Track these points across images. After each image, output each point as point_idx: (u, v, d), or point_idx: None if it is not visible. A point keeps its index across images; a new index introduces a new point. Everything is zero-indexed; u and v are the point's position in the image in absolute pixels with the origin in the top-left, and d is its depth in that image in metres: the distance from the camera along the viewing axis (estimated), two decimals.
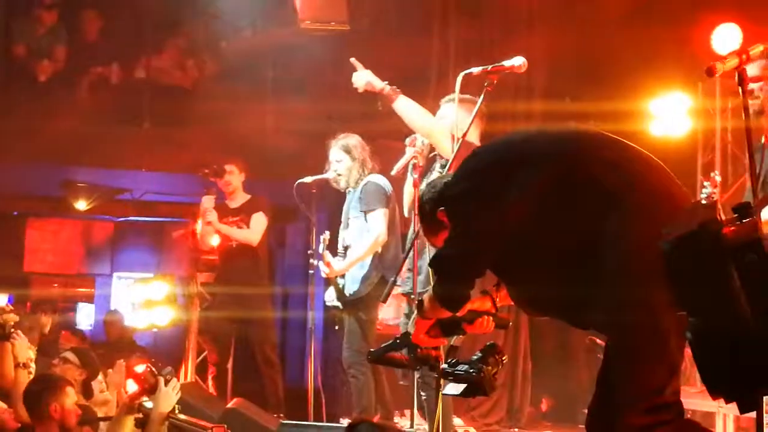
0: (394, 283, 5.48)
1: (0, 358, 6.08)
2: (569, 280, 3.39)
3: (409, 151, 6.20)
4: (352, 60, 6.12)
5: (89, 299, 11.65)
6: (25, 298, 10.19)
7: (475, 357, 3.92)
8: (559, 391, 9.29)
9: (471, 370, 3.89)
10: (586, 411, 3.50)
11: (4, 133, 9.48)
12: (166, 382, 4.96)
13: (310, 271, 7.48)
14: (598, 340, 7.15)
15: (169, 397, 4.93)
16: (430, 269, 4.08)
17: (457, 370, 3.93)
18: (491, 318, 4.02)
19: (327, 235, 7.09)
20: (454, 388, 3.94)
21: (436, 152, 6.08)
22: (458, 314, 3.88)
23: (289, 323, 9.85)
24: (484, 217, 3.51)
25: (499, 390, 7.92)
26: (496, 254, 3.56)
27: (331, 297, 7.11)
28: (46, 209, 11.03)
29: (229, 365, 8.86)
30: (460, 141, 5.20)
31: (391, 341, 4.17)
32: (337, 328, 7.21)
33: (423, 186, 5.50)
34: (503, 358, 3.94)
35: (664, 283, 3.15)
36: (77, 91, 10.67)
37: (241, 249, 8.61)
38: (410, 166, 6.19)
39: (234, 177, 8.69)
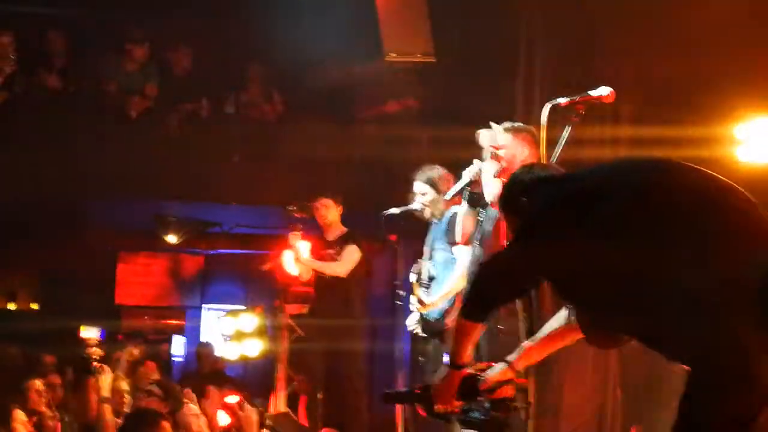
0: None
1: (84, 391, 6.22)
2: (646, 310, 3.33)
3: (465, 176, 6.19)
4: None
5: (180, 331, 11.80)
6: (116, 331, 10.37)
7: (487, 404, 3.97)
8: (648, 420, 9.14)
9: (482, 417, 3.97)
10: None
11: (95, 169, 9.69)
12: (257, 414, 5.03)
13: (397, 302, 7.51)
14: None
15: (252, 422, 5.00)
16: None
17: (470, 417, 4.01)
18: (512, 386, 4.03)
19: (419, 265, 7.12)
20: None
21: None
22: (480, 387, 3.94)
23: (376, 354, 9.87)
24: (543, 247, 3.52)
25: (589, 417, 7.84)
26: (568, 283, 3.54)
27: (412, 322, 7.12)
28: (138, 243, 11.22)
29: (320, 395, 8.91)
30: None
31: (408, 390, 4.27)
32: (421, 359, 7.21)
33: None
34: (514, 405, 4.01)
35: (752, 314, 3.11)
36: (167, 126, 10.86)
37: (334, 281, 8.70)
38: (466, 193, 6.20)
39: (329, 211, 8.80)
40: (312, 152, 9.98)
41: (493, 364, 4.06)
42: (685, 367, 3.31)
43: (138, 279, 11.59)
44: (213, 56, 11.12)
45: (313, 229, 8.98)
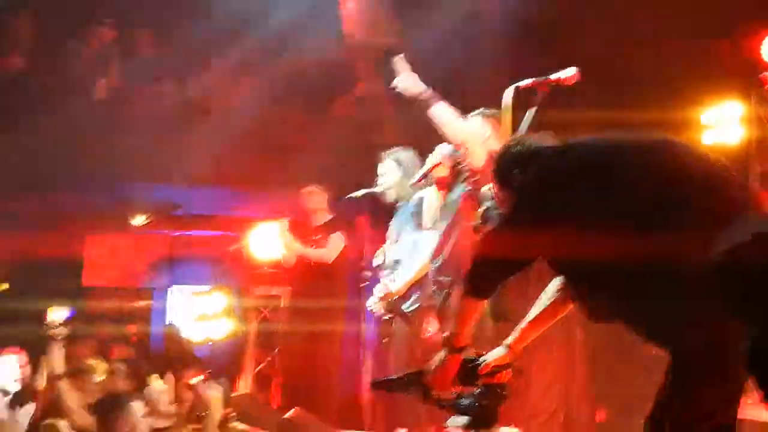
0: (449, 295, 5.51)
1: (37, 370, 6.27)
2: (636, 293, 3.37)
3: (430, 160, 6.23)
4: (397, 60, 6.12)
5: (147, 312, 11.79)
6: (84, 311, 10.35)
7: (478, 390, 3.96)
8: (615, 402, 9.22)
9: (474, 403, 3.94)
10: (642, 422, 3.51)
11: (61, 150, 9.64)
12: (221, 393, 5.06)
13: (363, 285, 7.53)
14: (655, 350, 7.11)
15: (216, 401, 5.03)
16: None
17: (460, 403, 3.98)
18: (510, 370, 4.03)
19: (384, 248, 7.13)
20: (456, 421, 3.99)
21: (463, 165, 6.07)
22: (480, 371, 3.93)
23: (342, 335, 9.92)
24: (536, 222, 3.51)
25: (555, 401, 7.88)
26: (562, 262, 3.56)
27: (374, 302, 7.13)
28: (105, 225, 11.18)
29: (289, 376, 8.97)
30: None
31: (399, 377, 4.20)
32: (385, 340, 7.23)
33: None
34: (504, 392, 3.98)
35: (727, 297, 3.14)
36: (132, 108, 10.82)
37: (318, 267, 8.76)
38: (431, 177, 6.25)
39: (316, 198, 8.86)
40: (279, 135, 9.98)
41: (484, 352, 4.04)
42: (663, 352, 3.34)
43: (105, 260, 11.57)
44: (177, 38, 11.06)
45: (299, 214, 9.02)
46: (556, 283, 3.94)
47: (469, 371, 3.95)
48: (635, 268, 3.30)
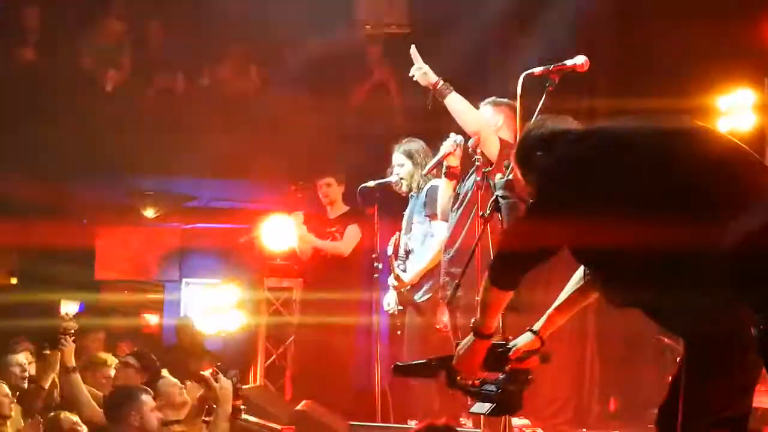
0: (458, 286, 5.47)
1: (51, 367, 6.26)
2: (652, 279, 3.34)
3: (441, 150, 6.24)
4: (412, 50, 6.14)
5: (159, 305, 11.80)
6: (95, 304, 10.36)
7: (502, 377, 3.92)
8: (627, 391, 9.19)
9: (498, 390, 3.90)
10: (655, 411, 3.49)
11: (72, 143, 9.64)
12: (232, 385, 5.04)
13: (375, 275, 7.51)
14: (666, 340, 7.08)
15: (226, 393, 5.01)
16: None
17: (484, 390, 3.93)
18: (538, 356, 3.99)
19: (397, 237, 7.12)
20: (481, 407, 3.94)
21: (476, 156, 6.03)
22: (510, 356, 3.89)
23: (355, 327, 9.91)
24: (560, 211, 3.48)
25: (567, 390, 7.85)
26: (582, 247, 3.52)
27: (390, 305, 7.14)
28: (116, 218, 11.18)
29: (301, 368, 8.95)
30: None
31: (424, 361, 4.15)
32: (399, 332, 7.22)
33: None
34: (529, 377, 3.94)
35: (738, 284, 3.10)
36: (143, 100, 10.81)
37: (334, 259, 8.68)
38: (443, 166, 6.25)
39: (332, 189, 8.76)
40: (291, 126, 9.95)
41: (510, 337, 4.02)
42: (670, 338, 3.32)
43: (117, 253, 11.57)
44: (188, 29, 11.04)
45: (315, 206, 8.96)
46: (582, 269, 3.91)
47: (498, 356, 3.91)
48: (651, 255, 3.27)
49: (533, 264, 3.65)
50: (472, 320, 3.86)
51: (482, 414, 3.95)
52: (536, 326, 3.99)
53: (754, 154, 3.46)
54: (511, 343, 3.97)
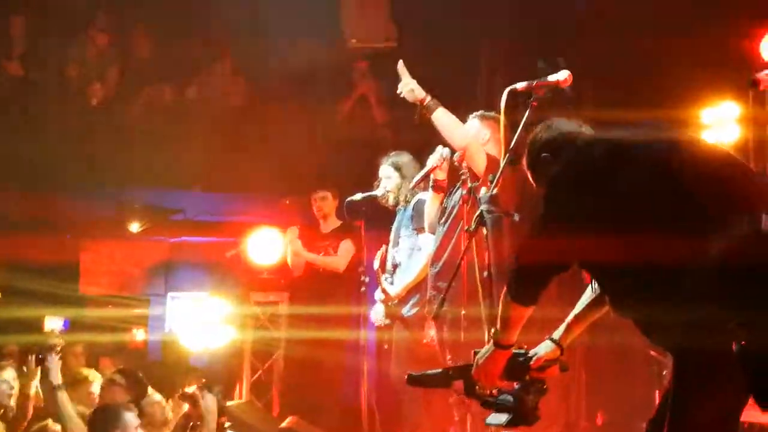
0: (444, 300, 5.45)
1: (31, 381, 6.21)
2: (643, 292, 3.36)
3: (428, 163, 6.24)
4: (399, 66, 6.13)
5: (144, 320, 11.72)
6: (80, 319, 10.29)
7: (518, 387, 3.91)
8: (614, 405, 9.17)
9: (514, 401, 3.89)
10: (643, 425, 3.49)
11: (57, 156, 9.60)
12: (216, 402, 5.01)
13: (362, 289, 7.47)
14: (654, 353, 7.07)
15: (210, 409, 4.98)
16: None
17: (500, 400, 3.92)
18: (558, 365, 4.00)
19: (384, 251, 7.09)
20: (497, 418, 3.92)
21: (462, 171, 6.03)
22: (532, 364, 3.90)
23: (342, 342, 9.87)
24: (569, 223, 3.50)
25: (555, 404, 7.82)
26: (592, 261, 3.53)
27: (377, 316, 7.10)
28: (101, 231, 11.12)
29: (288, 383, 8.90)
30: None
31: (441, 371, 4.16)
32: (386, 347, 7.19)
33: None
34: (545, 387, 3.92)
35: (724, 299, 3.10)
36: (129, 112, 10.77)
37: (323, 273, 8.65)
38: (430, 180, 6.24)
39: (327, 203, 8.72)
40: (278, 140, 9.93)
41: (525, 346, 4.00)
42: (669, 354, 3.31)
43: (102, 267, 11.50)
44: (175, 42, 11.02)
45: (307, 220, 8.92)
46: None
47: (518, 365, 3.91)
48: (643, 267, 3.30)
49: (549, 278, 3.66)
50: (492, 330, 3.87)
51: (500, 425, 3.93)
52: (556, 335, 4.00)
53: (746, 164, 3.48)
54: (531, 352, 3.97)
